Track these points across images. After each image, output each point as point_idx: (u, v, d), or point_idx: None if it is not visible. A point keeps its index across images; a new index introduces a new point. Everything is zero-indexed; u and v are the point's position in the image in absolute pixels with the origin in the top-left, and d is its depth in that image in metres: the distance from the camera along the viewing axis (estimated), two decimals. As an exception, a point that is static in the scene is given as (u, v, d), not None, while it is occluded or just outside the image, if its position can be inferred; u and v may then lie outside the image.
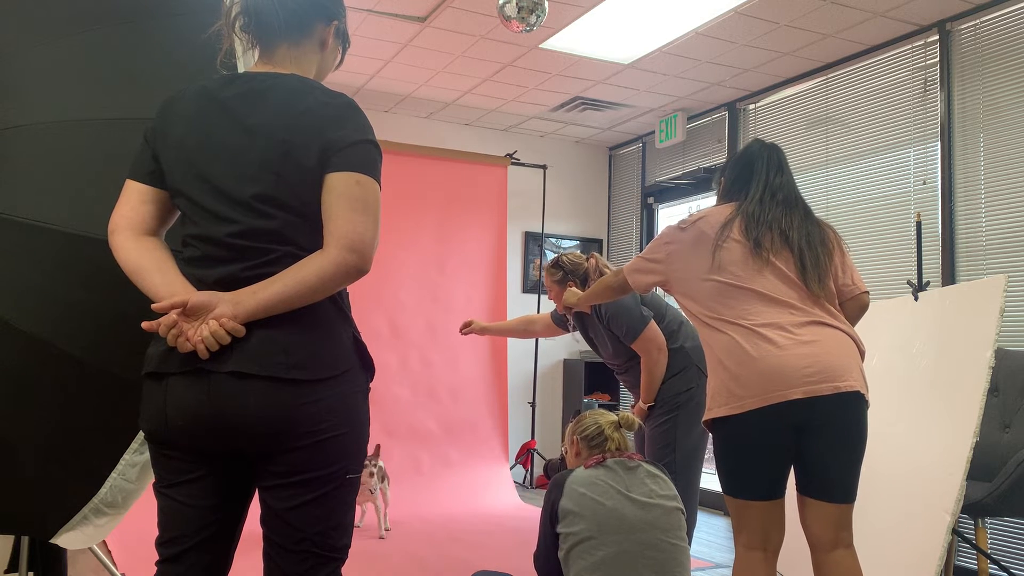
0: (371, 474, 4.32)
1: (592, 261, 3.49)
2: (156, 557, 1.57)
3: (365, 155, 1.52)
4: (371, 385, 1.62)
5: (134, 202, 1.58)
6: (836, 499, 2.14)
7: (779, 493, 2.17)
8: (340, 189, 1.48)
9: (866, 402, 2.16)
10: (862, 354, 2.23)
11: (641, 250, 6.65)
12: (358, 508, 4.52)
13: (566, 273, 3.46)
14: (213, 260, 1.51)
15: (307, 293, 1.45)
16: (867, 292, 2.36)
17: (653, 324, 3.29)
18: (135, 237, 1.56)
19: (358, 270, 1.47)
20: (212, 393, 1.45)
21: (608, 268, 3.47)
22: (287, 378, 1.45)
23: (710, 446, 2.55)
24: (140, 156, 1.61)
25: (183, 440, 1.50)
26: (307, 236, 1.51)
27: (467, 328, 3.70)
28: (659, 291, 3.04)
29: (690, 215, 2.39)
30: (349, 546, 1.57)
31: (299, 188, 1.49)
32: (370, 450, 4.42)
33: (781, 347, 2.11)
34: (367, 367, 1.59)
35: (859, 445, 2.15)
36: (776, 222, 2.27)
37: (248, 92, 1.55)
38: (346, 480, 1.53)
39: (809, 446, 2.13)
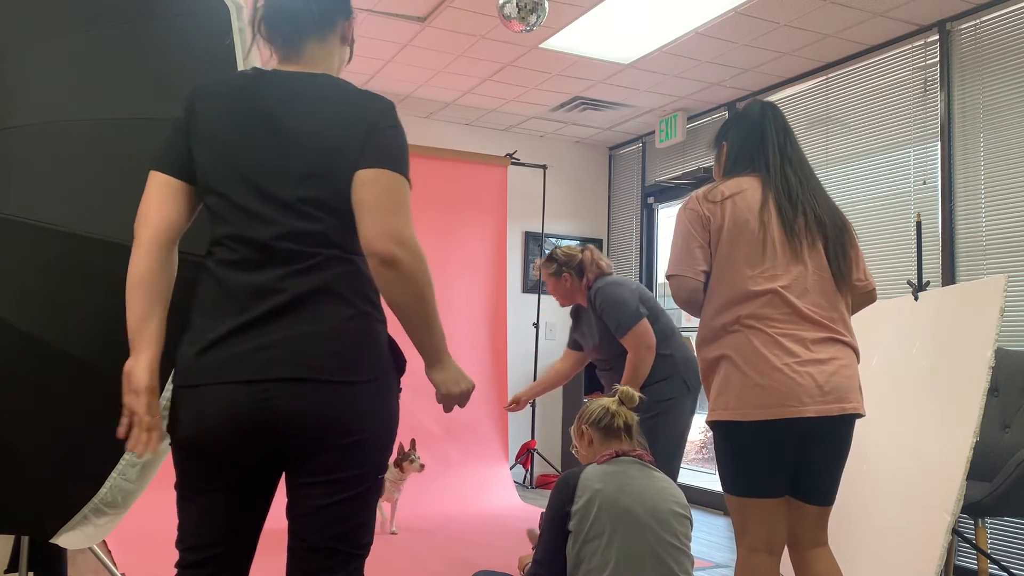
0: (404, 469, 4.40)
1: (587, 253, 3.50)
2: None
3: (402, 154, 1.54)
4: None
5: (166, 198, 1.53)
6: (820, 502, 2.20)
7: (780, 492, 2.17)
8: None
9: (856, 417, 2.18)
10: (858, 359, 2.24)
11: (641, 250, 6.67)
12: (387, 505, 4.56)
13: (560, 265, 3.48)
14: (251, 263, 1.49)
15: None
16: (875, 289, 2.33)
17: (645, 321, 3.28)
18: (156, 250, 1.50)
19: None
20: (259, 397, 1.44)
21: (602, 261, 3.50)
22: (335, 380, 1.46)
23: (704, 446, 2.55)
24: (170, 147, 1.55)
25: (219, 446, 1.48)
26: (351, 238, 1.51)
27: (514, 406, 3.75)
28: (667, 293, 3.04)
29: (710, 187, 2.22)
30: (372, 543, 1.59)
31: (346, 191, 1.50)
32: (406, 444, 4.45)
33: (800, 361, 2.09)
34: (400, 368, 1.61)
35: (846, 456, 2.21)
36: (808, 203, 2.17)
37: (287, 93, 1.54)
38: (377, 480, 1.56)
39: (802, 453, 2.15)
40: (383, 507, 4.53)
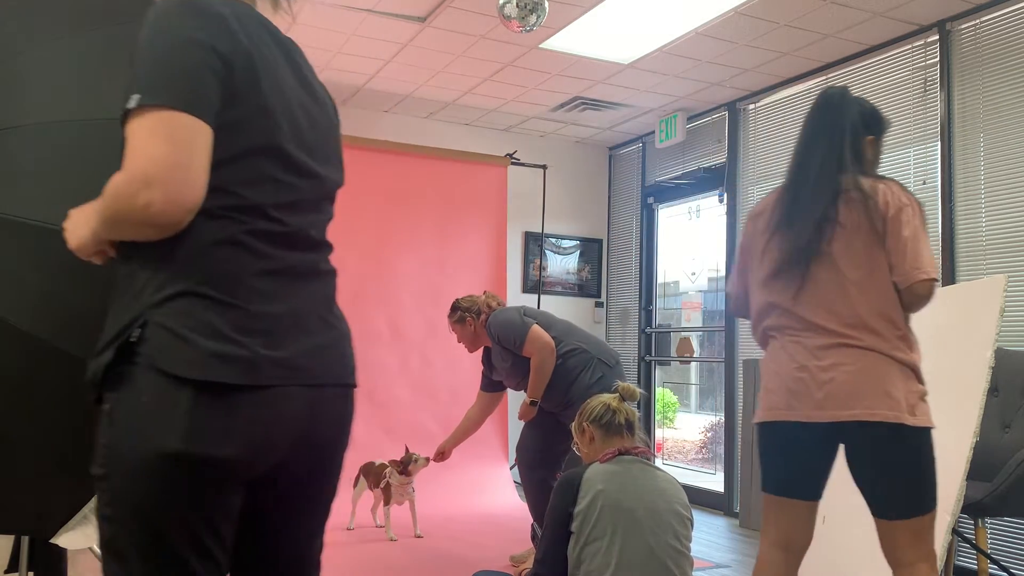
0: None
1: (482, 297, 3.89)
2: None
3: None
4: (371, 385, 1.59)
5: (208, 159, 1.12)
6: (888, 516, 2.05)
7: (798, 494, 2.18)
8: None
9: (888, 426, 1.99)
10: (909, 365, 2.05)
11: (641, 250, 6.67)
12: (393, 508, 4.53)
13: (463, 311, 3.84)
14: (294, 242, 1.24)
15: None
16: (927, 280, 2.02)
17: (536, 327, 3.60)
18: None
19: None
20: (325, 401, 1.26)
21: (494, 301, 3.85)
22: (355, 387, 1.36)
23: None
24: (205, 88, 1.12)
25: (261, 464, 1.19)
26: None
27: (440, 456, 4.09)
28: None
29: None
30: None
31: None
32: (402, 452, 4.46)
33: (799, 367, 2.11)
34: None
35: (894, 467, 2.03)
36: (819, 208, 2.10)
37: (295, 45, 1.31)
38: None
39: (851, 467, 2.13)
40: (386, 511, 4.50)
